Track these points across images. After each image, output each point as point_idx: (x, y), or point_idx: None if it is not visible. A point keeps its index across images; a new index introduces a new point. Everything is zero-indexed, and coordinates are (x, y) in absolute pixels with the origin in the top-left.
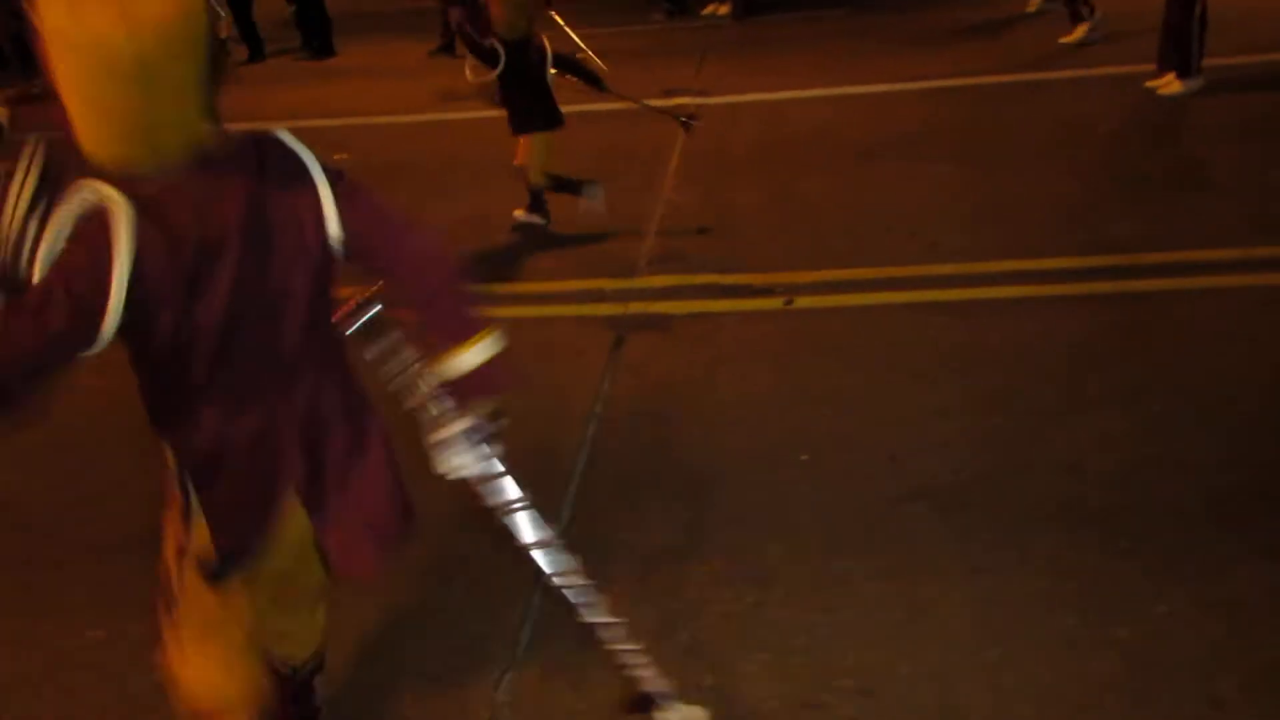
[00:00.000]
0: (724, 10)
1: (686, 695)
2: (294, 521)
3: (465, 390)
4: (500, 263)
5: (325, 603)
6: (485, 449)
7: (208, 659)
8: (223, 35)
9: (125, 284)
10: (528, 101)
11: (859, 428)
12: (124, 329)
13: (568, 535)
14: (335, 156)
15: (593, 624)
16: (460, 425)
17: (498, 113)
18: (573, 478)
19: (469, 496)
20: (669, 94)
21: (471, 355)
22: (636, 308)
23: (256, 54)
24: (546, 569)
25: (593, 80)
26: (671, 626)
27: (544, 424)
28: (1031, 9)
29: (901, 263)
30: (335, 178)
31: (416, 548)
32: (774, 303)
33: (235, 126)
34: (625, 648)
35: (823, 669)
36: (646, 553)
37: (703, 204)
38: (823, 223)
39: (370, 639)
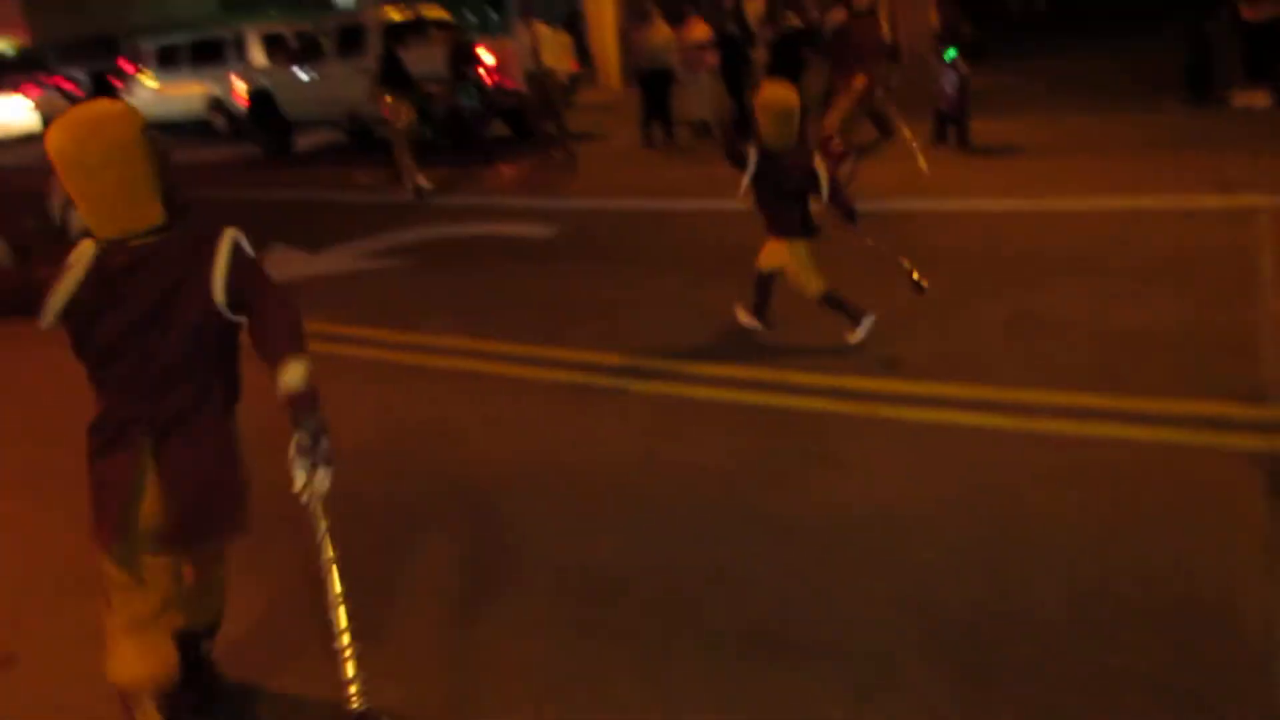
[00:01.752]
0: (1261, 100)
1: None
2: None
3: (293, 409)
4: (1085, 370)
5: (218, 578)
6: (310, 464)
7: (129, 644)
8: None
9: (63, 292)
10: (774, 210)
11: None
12: (64, 322)
13: None
14: None
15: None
16: (293, 442)
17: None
18: None
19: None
20: (1224, 189)
21: (289, 378)
22: None
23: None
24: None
25: (848, 215)
26: None
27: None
28: None
29: None
30: (238, 256)
31: None
32: None
33: None
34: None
35: None
36: None
37: None
38: None
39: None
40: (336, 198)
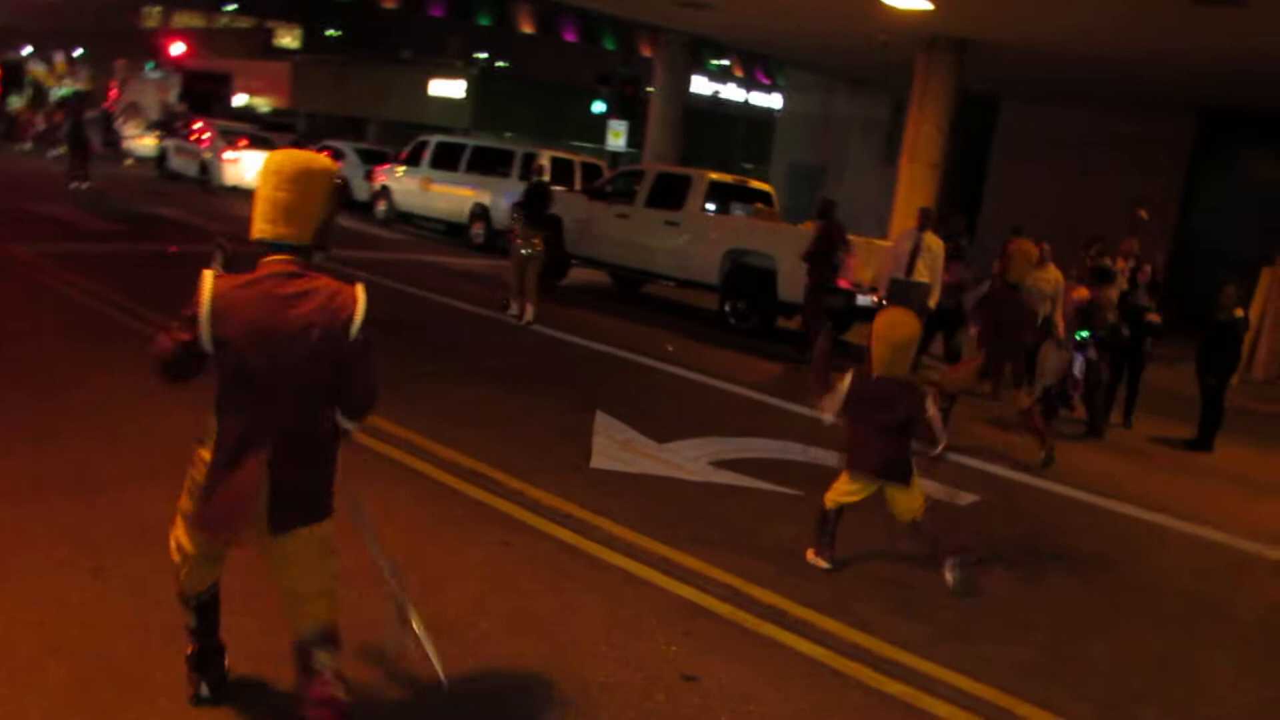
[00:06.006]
0: None
1: None
2: None
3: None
4: None
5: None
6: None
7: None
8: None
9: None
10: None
11: None
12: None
13: None
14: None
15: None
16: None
17: None
18: None
19: None
20: None
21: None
22: None
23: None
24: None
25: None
26: None
27: None
28: None
29: None
30: (362, 333)
31: None
32: None
33: None
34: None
35: None
36: None
37: None
38: None
39: None
40: (640, 361)
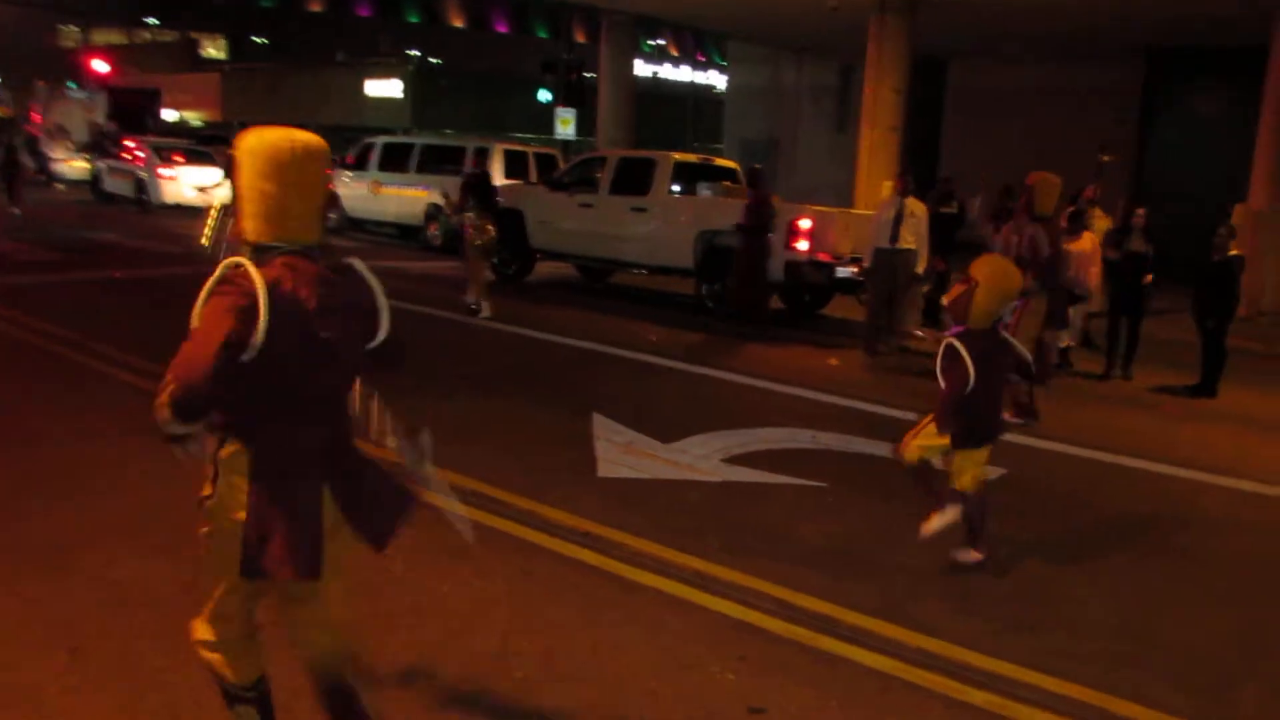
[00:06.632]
0: None
1: None
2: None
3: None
4: None
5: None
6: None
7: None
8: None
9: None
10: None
11: None
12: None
13: None
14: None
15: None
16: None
17: None
18: None
19: None
20: None
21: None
22: None
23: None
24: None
25: None
26: None
27: None
28: None
29: None
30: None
31: None
32: None
33: None
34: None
35: None
36: None
37: None
38: None
39: None
40: (625, 355)
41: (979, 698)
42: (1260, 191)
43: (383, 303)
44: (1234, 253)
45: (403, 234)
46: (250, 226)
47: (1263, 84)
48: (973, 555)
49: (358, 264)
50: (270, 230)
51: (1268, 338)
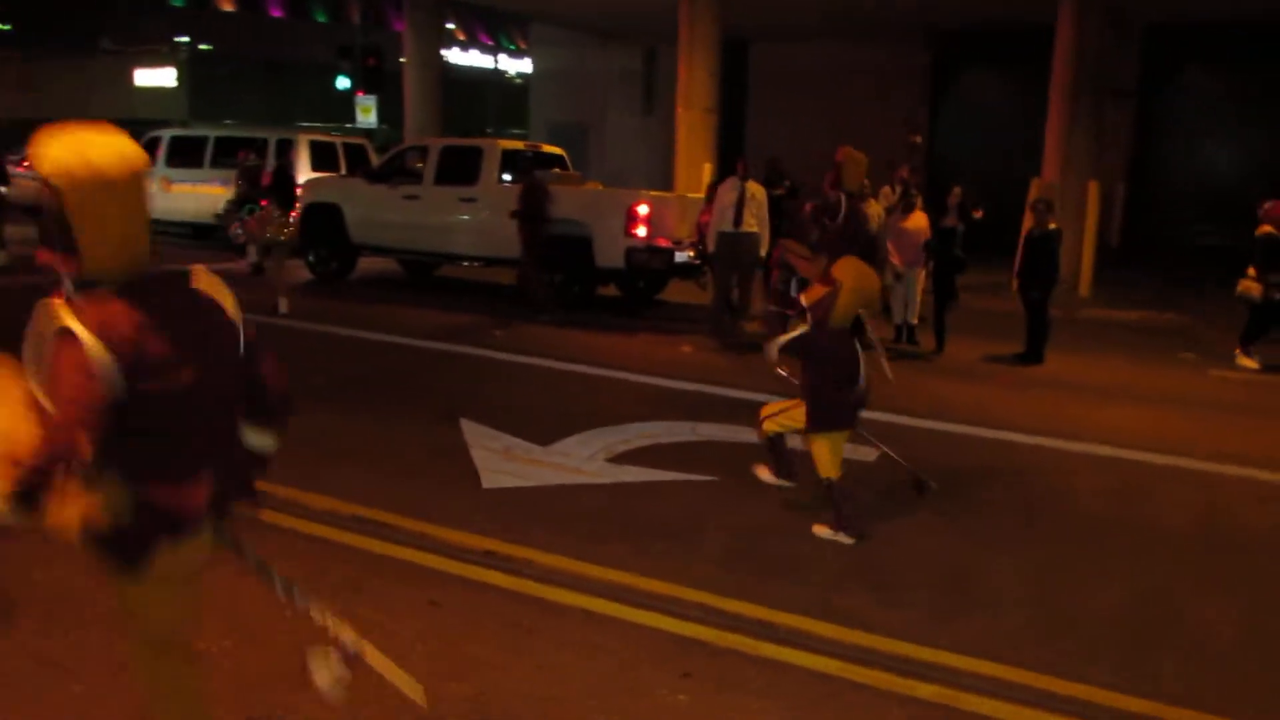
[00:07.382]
0: None
1: None
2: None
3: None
4: None
5: None
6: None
7: None
8: None
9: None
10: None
11: None
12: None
13: None
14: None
15: None
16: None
17: None
18: None
19: None
20: None
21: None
22: None
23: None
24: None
25: None
26: None
27: None
28: None
29: None
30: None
31: None
32: None
33: None
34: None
35: None
36: None
37: None
38: None
39: None
40: (474, 353)
41: (927, 691)
42: (1051, 166)
43: (236, 315)
44: (1053, 226)
45: (197, 234)
46: (88, 259)
47: (1050, 62)
48: (842, 538)
49: (203, 274)
50: (110, 261)
51: (1065, 303)
